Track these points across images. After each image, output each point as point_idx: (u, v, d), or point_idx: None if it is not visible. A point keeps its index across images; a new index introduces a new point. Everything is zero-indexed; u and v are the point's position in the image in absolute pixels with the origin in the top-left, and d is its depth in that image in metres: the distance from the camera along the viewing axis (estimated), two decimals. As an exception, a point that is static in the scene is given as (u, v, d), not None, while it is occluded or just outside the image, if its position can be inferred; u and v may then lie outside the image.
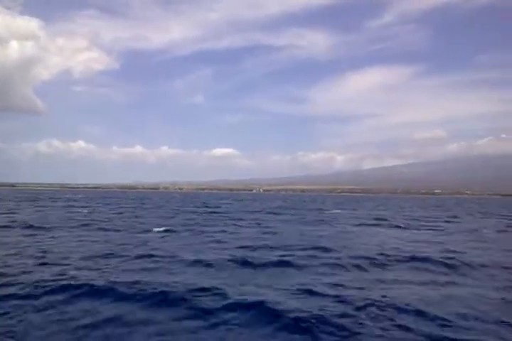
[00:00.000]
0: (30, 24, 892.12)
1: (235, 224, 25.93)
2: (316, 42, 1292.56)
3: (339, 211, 47.94)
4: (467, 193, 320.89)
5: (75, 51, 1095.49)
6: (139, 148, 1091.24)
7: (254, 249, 15.27)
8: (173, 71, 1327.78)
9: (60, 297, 8.38)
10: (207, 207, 53.38)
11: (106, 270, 10.86)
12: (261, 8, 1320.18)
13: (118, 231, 20.91)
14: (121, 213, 35.77)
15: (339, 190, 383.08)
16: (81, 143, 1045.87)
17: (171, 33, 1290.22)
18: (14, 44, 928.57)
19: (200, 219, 30.89)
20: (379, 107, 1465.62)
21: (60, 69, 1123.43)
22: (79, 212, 36.31)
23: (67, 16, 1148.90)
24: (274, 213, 40.63)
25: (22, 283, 9.15)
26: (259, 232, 21.53)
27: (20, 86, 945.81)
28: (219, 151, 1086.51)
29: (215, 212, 40.20)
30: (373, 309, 7.81)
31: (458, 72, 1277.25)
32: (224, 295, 8.55)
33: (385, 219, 33.24)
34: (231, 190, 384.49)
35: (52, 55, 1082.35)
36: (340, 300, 8.35)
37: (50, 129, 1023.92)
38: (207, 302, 8.15)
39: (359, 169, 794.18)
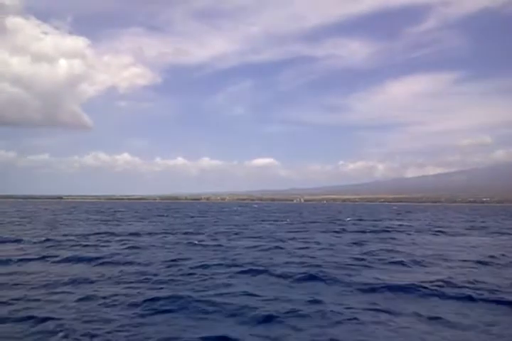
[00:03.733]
0: (78, 43, 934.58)
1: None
2: (355, 51, 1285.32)
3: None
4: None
5: (120, 68, 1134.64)
6: (180, 160, 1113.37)
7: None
8: (214, 84, 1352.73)
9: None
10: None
11: None
12: (299, 20, 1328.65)
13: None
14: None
15: (382, 200, 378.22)
16: (126, 156, 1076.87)
17: (211, 47, 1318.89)
18: (63, 62, 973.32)
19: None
20: (420, 115, 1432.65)
21: (106, 85, 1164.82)
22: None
23: (113, 34, 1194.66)
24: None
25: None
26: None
27: (68, 102, 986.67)
28: (259, 161, 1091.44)
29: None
30: None
31: (501, 78, 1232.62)
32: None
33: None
34: (272, 200, 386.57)
35: (99, 72, 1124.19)
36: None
37: (97, 143, 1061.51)
38: None
39: (401, 177, 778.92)
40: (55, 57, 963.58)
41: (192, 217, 54.59)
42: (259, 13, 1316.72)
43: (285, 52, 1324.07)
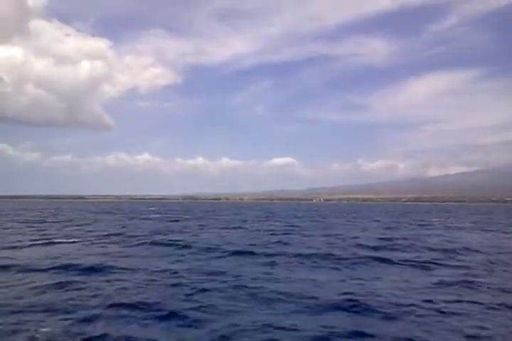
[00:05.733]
0: (100, 44, 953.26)
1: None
2: (375, 49, 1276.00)
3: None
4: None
5: (141, 68, 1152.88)
6: (200, 160, 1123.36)
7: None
8: (234, 84, 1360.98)
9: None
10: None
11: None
12: (319, 19, 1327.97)
13: None
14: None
15: (404, 199, 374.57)
16: (146, 156, 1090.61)
17: (231, 47, 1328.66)
18: (85, 64, 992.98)
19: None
20: (442, 113, 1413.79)
21: (127, 86, 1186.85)
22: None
23: (134, 36, 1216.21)
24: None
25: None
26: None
27: (90, 103, 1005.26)
28: (278, 161, 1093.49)
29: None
30: None
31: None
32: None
33: None
34: (291, 200, 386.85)
35: (120, 73, 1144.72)
36: None
37: (118, 143, 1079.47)
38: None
39: (423, 177, 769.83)
40: (78, 58, 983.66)
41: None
42: (279, 13, 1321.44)
43: (305, 51, 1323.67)
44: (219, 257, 16.70)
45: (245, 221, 44.86)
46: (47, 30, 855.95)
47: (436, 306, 9.51)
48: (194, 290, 10.74)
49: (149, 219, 47.91)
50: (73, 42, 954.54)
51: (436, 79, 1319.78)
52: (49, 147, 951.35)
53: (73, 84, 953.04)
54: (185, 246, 19.67)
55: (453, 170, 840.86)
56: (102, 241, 22.10)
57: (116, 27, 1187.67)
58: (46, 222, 39.74)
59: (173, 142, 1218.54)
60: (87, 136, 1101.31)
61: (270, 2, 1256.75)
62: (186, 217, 53.88)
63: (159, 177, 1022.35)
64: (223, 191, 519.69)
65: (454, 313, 9.03)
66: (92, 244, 20.92)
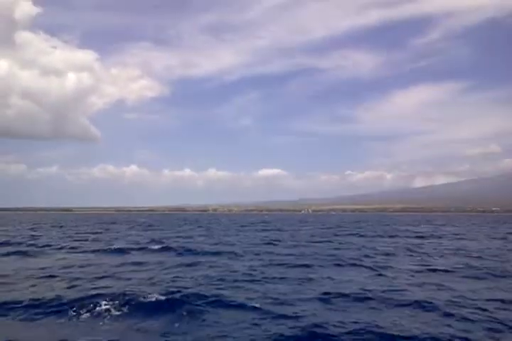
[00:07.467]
0: (86, 56, 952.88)
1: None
2: (361, 62, 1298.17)
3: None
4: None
5: (128, 80, 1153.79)
6: (187, 171, 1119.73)
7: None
8: (222, 96, 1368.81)
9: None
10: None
11: None
12: (306, 33, 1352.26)
13: None
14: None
15: (391, 210, 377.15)
16: (134, 168, 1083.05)
17: (219, 60, 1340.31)
18: (71, 75, 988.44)
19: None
20: (427, 124, 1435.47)
21: (114, 97, 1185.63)
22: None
23: (121, 48, 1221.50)
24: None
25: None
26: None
27: (77, 115, 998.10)
28: (266, 172, 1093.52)
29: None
30: None
31: (509, 87, 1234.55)
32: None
33: None
34: (280, 210, 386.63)
35: (107, 85, 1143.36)
36: None
37: (105, 155, 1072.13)
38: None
39: (409, 187, 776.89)
40: (64, 70, 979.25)
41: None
42: (267, 26, 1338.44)
43: (292, 64, 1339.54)
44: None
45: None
46: (33, 42, 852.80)
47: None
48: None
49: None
50: (60, 54, 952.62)
51: (422, 91, 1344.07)
52: (35, 159, 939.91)
53: (59, 96, 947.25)
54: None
55: (439, 180, 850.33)
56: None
57: (103, 39, 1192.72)
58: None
59: (160, 154, 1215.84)
60: (74, 148, 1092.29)
61: (258, 15, 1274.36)
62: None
63: (146, 188, 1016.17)
64: (212, 202, 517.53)
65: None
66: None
